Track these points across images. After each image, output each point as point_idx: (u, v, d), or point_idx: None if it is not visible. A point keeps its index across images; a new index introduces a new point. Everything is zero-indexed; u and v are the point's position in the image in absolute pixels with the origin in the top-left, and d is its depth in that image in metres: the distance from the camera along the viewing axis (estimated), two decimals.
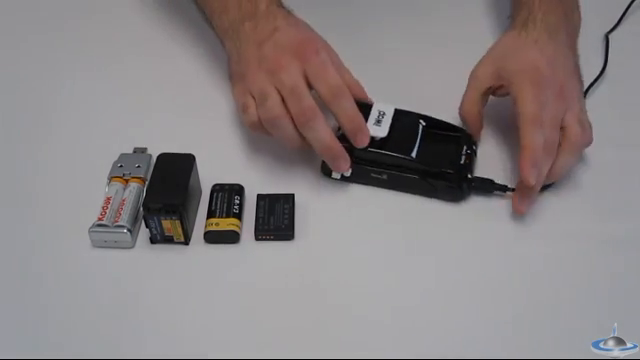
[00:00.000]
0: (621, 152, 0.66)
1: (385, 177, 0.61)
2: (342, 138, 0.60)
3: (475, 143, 0.64)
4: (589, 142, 0.61)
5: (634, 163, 0.64)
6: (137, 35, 0.78)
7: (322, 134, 0.58)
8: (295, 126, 0.58)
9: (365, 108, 0.61)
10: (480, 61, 0.66)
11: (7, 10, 0.81)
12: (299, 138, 0.59)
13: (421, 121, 0.63)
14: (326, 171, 0.62)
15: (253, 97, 0.60)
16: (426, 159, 0.61)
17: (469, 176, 0.62)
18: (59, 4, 0.81)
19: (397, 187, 0.62)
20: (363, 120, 0.60)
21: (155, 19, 0.80)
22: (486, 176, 0.62)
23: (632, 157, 0.66)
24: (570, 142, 0.60)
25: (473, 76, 0.65)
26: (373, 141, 0.60)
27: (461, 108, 0.65)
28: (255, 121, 0.60)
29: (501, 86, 0.63)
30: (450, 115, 0.65)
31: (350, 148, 0.60)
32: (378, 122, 0.61)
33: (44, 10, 0.81)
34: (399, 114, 0.62)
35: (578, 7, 0.70)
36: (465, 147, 0.63)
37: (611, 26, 0.78)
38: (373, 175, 0.62)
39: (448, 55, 0.75)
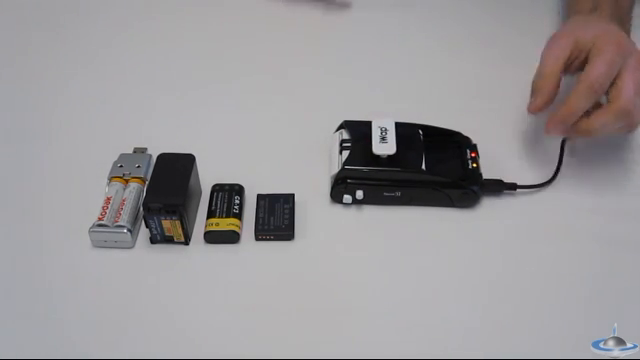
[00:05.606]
0: (622, 152, 0.66)
1: (399, 194, 0.61)
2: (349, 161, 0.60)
3: (475, 145, 0.64)
4: (633, 119, 0.57)
5: (635, 163, 0.64)
6: (137, 35, 0.79)
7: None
8: None
9: (365, 126, 0.61)
10: (554, 35, 0.62)
11: (7, 10, 0.81)
12: None
13: (419, 131, 0.63)
14: (336, 198, 0.61)
15: None
16: (436, 170, 0.60)
17: (480, 179, 0.61)
18: (59, 4, 0.82)
19: (411, 202, 0.61)
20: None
21: (154, 19, 0.81)
22: (491, 176, 0.62)
23: (633, 157, 0.66)
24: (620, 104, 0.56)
25: (550, 47, 0.61)
26: (381, 159, 0.59)
27: (537, 78, 0.60)
28: None
29: (577, 59, 0.59)
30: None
31: (360, 173, 0.60)
32: (383, 139, 0.59)
33: (44, 10, 0.81)
34: (398, 127, 0.61)
35: (630, 19, 0.67)
36: (468, 150, 0.63)
37: None
38: (386, 194, 0.61)
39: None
